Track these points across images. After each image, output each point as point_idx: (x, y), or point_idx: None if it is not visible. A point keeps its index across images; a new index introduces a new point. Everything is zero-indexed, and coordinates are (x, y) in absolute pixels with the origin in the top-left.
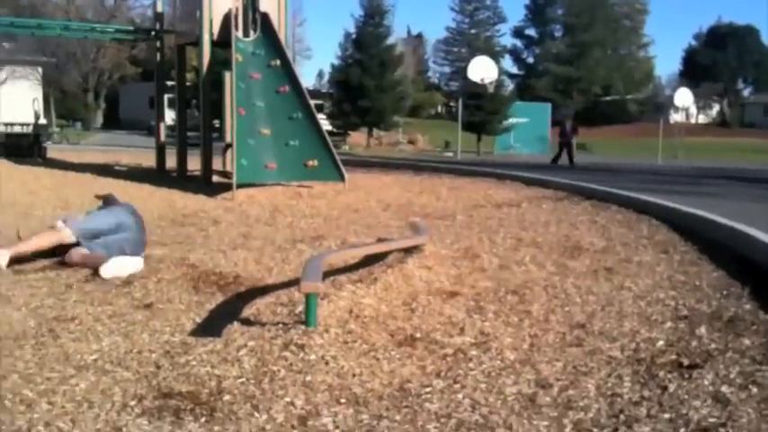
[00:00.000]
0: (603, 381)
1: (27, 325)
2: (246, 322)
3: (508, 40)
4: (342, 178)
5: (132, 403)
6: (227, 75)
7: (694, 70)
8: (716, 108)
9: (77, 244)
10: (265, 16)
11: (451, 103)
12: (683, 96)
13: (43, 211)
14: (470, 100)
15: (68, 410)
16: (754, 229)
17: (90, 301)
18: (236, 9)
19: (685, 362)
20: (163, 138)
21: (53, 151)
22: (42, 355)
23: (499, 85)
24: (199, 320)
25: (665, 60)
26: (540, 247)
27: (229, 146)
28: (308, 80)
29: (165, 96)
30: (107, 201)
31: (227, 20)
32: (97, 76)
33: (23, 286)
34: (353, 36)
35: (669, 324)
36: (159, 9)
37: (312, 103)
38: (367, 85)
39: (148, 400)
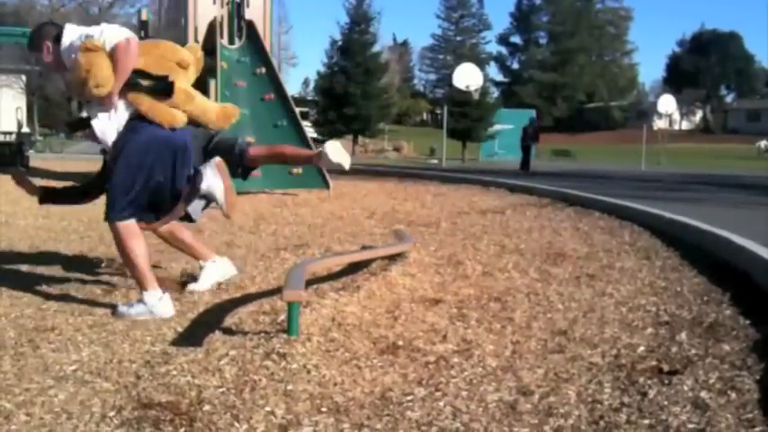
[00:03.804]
0: (584, 387)
1: (6, 335)
2: (228, 331)
3: (493, 48)
4: (326, 186)
5: (111, 414)
6: (211, 82)
7: (678, 77)
8: (699, 114)
9: None
10: (251, 24)
11: (437, 111)
12: (667, 103)
13: (25, 220)
14: (455, 107)
15: (46, 422)
16: (735, 235)
17: (70, 311)
18: (222, 17)
19: (665, 368)
20: None
21: (36, 160)
22: (21, 365)
23: (484, 92)
24: (180, 330)
25: (649, 67)
26: (524, 253)
27: None
28: (293, 88)
29: None
30: None
31: (212, 28)
32: None
33: (3, 296)
34: (339, 44)
35: (650, 330)
36: (144, 17)
37: (297, 110)
38: (352, 92)
39: (127, 410)
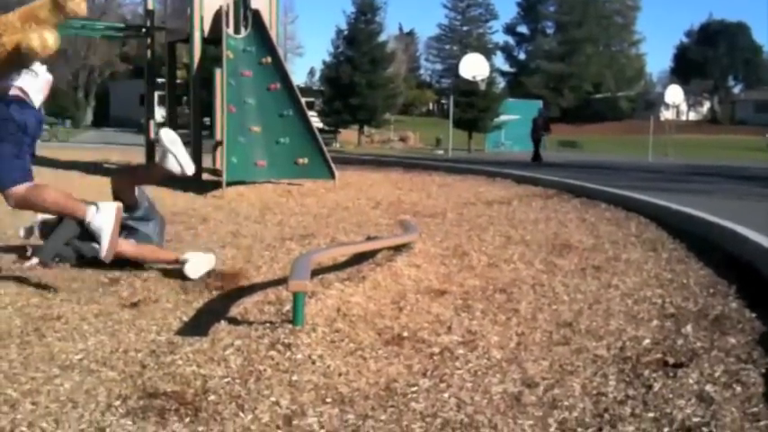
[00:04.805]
0: (589, 380)
1: (12, 324)
2: (233, 321)
3: (500, 38)
4: (332, 176)
5: (117, 403)
6: (217, 72)
7: (685, 67)
8: (707, 105)
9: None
10: (257, 13)
11: (443, 101)
12: (674, 93)
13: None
14: (462, 97)
15: (52, 411)
16: (741, 227)
17: (76, 300)
18: (227, 6)
19: (671, 360)
20: (152, 135)
21: (42, 149)
22: (27, 354)
23: (491, 82)
24: (186, 319)
25: (657, 57)
26: (529, 245)
27: (219, 143)
28: (299, 77)
29: (156, 94)
30: None
31: (217, 17)
32: (87, 73)
33: (10, 285)
34: (345, 33)
35: (656, 322)
36: (150, 6)
37: (303, 100)
38: (358, 82)
39: (133, 400)
